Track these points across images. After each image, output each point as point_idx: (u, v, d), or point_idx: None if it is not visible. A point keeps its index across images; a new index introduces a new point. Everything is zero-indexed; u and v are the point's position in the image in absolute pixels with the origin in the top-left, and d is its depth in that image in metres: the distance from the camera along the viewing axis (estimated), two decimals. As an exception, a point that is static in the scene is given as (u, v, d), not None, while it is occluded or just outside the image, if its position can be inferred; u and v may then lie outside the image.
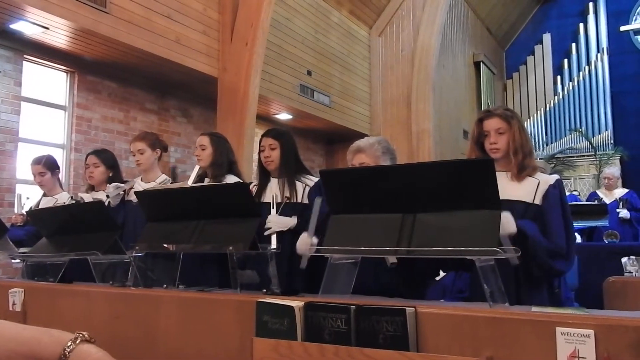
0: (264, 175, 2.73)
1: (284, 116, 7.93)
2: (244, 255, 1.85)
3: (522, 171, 2.03)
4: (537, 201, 2.00)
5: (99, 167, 3.13)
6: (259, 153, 2.72)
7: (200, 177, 3.00)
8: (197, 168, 3.04)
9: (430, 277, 2.22)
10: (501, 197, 1.57)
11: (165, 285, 1.85)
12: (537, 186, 2.02)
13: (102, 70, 5.86)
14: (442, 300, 2.77)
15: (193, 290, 1.78)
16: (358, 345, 1.31)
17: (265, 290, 1.73)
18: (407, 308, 1.29)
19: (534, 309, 1.44)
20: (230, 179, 2.86)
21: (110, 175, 3.12)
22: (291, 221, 2.48)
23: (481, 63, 11.47)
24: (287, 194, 2.61)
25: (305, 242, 1.98)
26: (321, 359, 1.33)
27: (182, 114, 6.94)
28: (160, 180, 3.01)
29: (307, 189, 2.62)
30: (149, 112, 6.52)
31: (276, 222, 2.40)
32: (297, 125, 8.42)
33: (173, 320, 1.67)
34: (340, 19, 8.64)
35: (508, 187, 1.98)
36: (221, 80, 6.32)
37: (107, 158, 3.18)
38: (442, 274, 2.52)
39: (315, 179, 2.65)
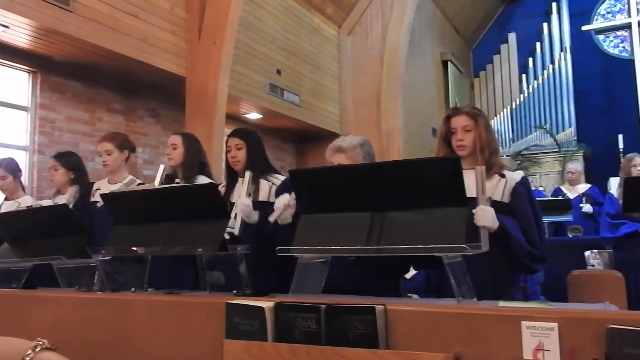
0: (232, 175, 2.72)
1: (253, 115, 7.90)
2: (213, 257, 1.84)
3: (489, 169, 2.06)
4: (505, 199, 2.04)
5: (58, 170, 3.06)
6: (226, 153, 2.71)
7: (169, 178, 2.96)
8: (162, 168, 3.00)
9: (402, 274, 2.24)
10: (469, 195, 1.60)
11: (133, 289, 1.82)
12: (505, 184, 2.06)
13: (66, 70, 5.72)
14: (415, 296, 2.81)
15: (162, 293, 1.75)
16: (329, 344, 1.31)
17: (235, 291, 1.72)
18: (376, 306, 1.30)
19: (501, 303, 1.47)
20: (202, 179, 2.83)
21: (72, 177, 3.05)
22: (254, 215, 2.45)
23: (449, 62, 11.62)
24: (250, 192, 2.59)
25: (285, 197, 2.04)
26: (292, 359, 1.33)
27: (149, 114, 6.83)
28: (126, 182, 2.96)
29: (274, 187, 2.61)
30: (115, 112, 6.40)
31: (242, 208, 2.38)
32: (267, 124, 8.39)
33: (142, 324, 1.65)
34: (309, 18, 8.64)
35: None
36: (189, 79, 6.25)
37: (68, 161, 3.11)
38: (413, 271, 2.55)
39: (282, 178, 2.65)
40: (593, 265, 3.15)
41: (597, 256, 3.22)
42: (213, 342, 1.48)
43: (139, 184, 2.96)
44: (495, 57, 13.27)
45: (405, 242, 1.41)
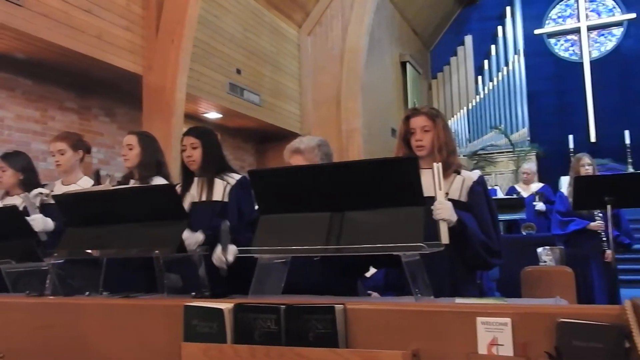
0: (187, 175, 2.66)
1: (213, 115, 7.80)
2: (170, 259, 1.80)
3: (447, 169, 2.10)
4: (463, 198, 2.08)
5: (6, 171, 2.94)
6: (181, 152, 2.64)
7: (125, 179, 2.89)
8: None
9: (362, 273, 2.26)
10: (428, 194, 1.63)
11: (87, 293, 1.77)
12: (462, 183, 2.10)
13: (16, 66, 5.51)
14: (375, 294, 2.84)
15: (118, 297, 1.71)
16: (289, 344, 1.31)
17: (194, 293, 1.70)
18: (336, 305, 1.31)
19: (458, 300, 1.50)
20: (159, 180, 2.77)
21: (22, 178, 2.94)
22: (198, 237, 2.29)
23: (407, 63, 11.78)
24: (204, 193, 2.55)
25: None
26: (252, 360, 1.32)
27: (105, 113, 6.65)
28: (81, 183, 2.87)
29: (229, 187, 2.57)
30: (68, 111, 6.20)
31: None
32: (227, 124, 8.31)
33: (98, 330, 1.60)
34: (269, 17, 8.60)
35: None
36: (146, 78, 6.12)
37: (16, 161, 2.98)
38: (372, 270, 2.57)
39: (238, 177, 2.60)
40: (545, 262, 3.25)
41: (549, 252, 3.34)
42: (171, 345, 1.45)
43: (94, 185, 2.87)
44: (453, 59, 13.54)
45: (364, 241, 1.43)
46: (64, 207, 1.90)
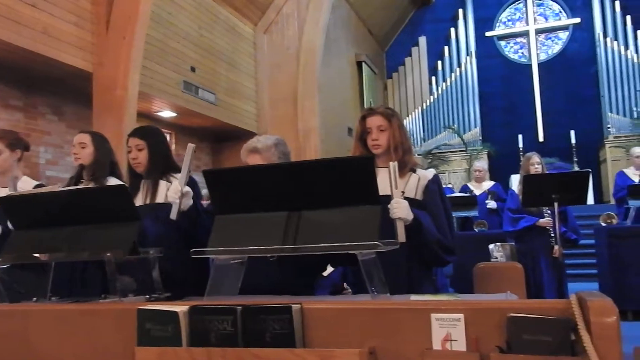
0: (135, 177, 2.54)
1: (167, 114, 7.66)
2: (123, 261, 1.76)
3: (402, 168, 2.13)
4: (419, 196, 2.11)
5: None
6: (127, 154, 2.52)
7: (74, 179, 2.80)
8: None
9: (319, 272, 2.26)
10: (384, 193, 1.65)
11: (35, 299, 1.71)
12: (418, 181, 2.14)
13: (-44, 62, 5.26)
14: (349, 290, 2.85)
15: (68, 302, 1.66)
16: (246, 346, 1.30)
17: (148, 296, 1.67)
18: (293, 305, 1.31)
19: (413, 297, 1.53)
20: (112, 181, 2.69)
21: None
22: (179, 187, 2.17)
23: (363, 63, 11.89)
24: (149, 196, 2.45)
25: (175, 190, 1.99)
26: (208, 363, 1.30)
27: (52, 112, 6.42)
28: (21, 184, 2.74)
29: None
30: (13, 109, 5.95)
31: (171, 195, 2.15)
32: (182, 123, 8.17)
33: (47, 337, 1.55)
34: (224, 15, 8.50)
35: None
36: (96, 75, 5.94)
37: None
38: (330, 268, 2.59)
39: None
40: (497, 258, 3.35)
41: (500, 249, 3.44)
42: (124, 350, 1.42)
43: (37, 186, 2.75)
44: (407, 60, 13.76)
45: (321, 240, 1.43)
46: (9, 210, 1.83)
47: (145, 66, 6.40)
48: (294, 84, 9.26)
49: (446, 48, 13.40)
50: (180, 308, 1.37)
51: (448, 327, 1.21)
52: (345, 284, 3.03)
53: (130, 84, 5.92)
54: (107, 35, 5.96)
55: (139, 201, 2.44)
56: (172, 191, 2.02)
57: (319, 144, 9.17)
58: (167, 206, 2.22)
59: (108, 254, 1.60)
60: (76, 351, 1.51)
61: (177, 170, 2.49)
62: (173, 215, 2.00)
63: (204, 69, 7.88)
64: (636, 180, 5.80)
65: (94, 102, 5.95)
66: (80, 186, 2.73)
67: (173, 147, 8.25)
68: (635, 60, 11.94)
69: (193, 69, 7.61)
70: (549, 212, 4.34)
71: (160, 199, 2.42)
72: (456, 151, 12.38)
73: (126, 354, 1.41)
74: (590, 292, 1.14)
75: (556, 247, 4.08)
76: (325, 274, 2.66)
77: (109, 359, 1.47)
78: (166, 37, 7.09)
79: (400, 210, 1.82)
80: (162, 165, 2.50)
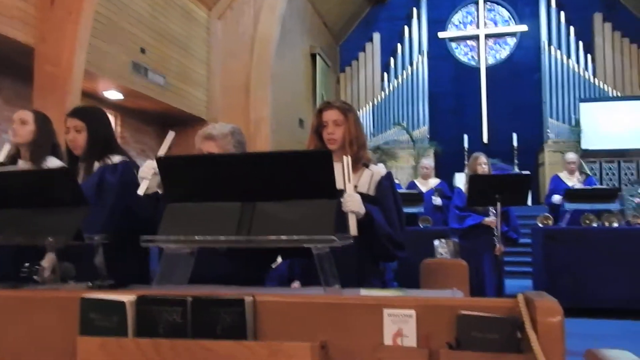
0: (73, 160, 2.39)
1: (113, 95, 7.38)
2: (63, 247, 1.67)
3: (356, 163, 2.14)
4: (371, 192, 2.13)
5: None
6: (65, 135, 2.37)
7: (12, 159, 2.65)
8: (6, 147, 2.66)
9: (269, 264, 2.25)
10: (337, 187, 1.64)
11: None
12: (371, 177, 2.16)
13: None
14: (297, 284, 2.83)
15: (4, 287, 1.57)
16: (195, 337, 1.27)
17: (91, 283, 1.60)
18: (245, 297, 1.28)
19: (363, 292, 1.54)
20: (52, 162, 2.55)
21: None
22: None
23: (317, 55, 11.88)
24: (83, 179, 2.32)
25: (149, 166, 1.91)
26: (155, 355, 1.27)
27: (-12, 86, 6.07)
28: None
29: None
30: (-55, 81, 5.59)
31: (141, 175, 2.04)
32: (129, 105, 7.91)
33: (-22, 323, 1.46)
34: (178, -3, 8.28)
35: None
36: (39, 51, 5.65)
37: None
38: (279, 260, 2.57)
39: (118, 159, 2.34)
40: (441, 254, 3.44)
41: (445, 245, 3.53)
42: (65, 340, 1.35)
43: None
44: (361, 55, 13.87)
45: (276, 233, 1.42)
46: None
47: (93, 44, 6.14)
48: (247, 73, 9.14)
49: (399, 46, 13.59)
50: (127, 297, 1.32)
51: (400, 322, 1.23)
52: (293, 276, 3.03)
53: (76, 62, 5.67)
54: (52, 9, 5.67)
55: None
56: (146, 167, 1.92)
57: (269, 134, 9.11)
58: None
59: (50, 239, 1.52)
60: (12, 340, 1.43)
61: (117, 152, 2.39)
62: (141, 190, 1.90)
63: (154, 52, 7.64)
64: (569, 184, 6.10)
65: (35, 78, 5.65)
66: (18, 166, 2.59)
67: (118, 129, 7.98)
68: (576, 69, 12.51)
69: (143, 51, 7.37)
70: (494, 211, 4.49)
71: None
72: (404, 148, 12.61)
73: (66, 344, 1.35)
74: (537, 293, 1.18)
75: (498, 245, 4.23)
76: (272, 265, 2.65)
77: (48, 349, 1.40)
78: (116, 16, 6.83)
79: (353, 203, 1.83)
80: (101, 148, 2.35)
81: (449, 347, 1.18)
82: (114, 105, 7.71)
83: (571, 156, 6.42)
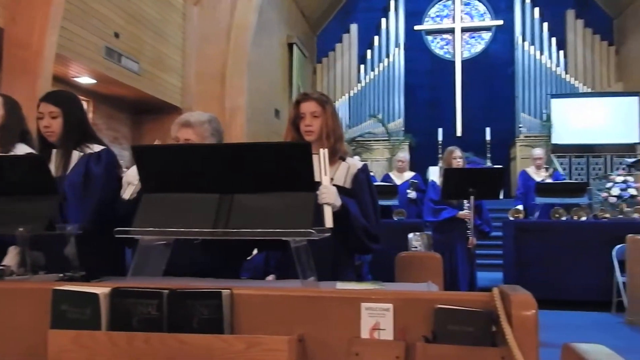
0: (45, 147, 2.31)
1: (85, 80, 7.21)
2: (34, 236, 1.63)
3: (333, 155, 2.14)
4: (347, 184, 2.14)
5: None
6: (38, 120, 2.28)
7: None
8: None
9: (245, 256, 2.24)
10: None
11: None
12: (347, 170, 2.16)
13: None
14: (272, 277, 2.82)
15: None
16: (171, 331, 1.26)
17: (62, 275, 1.57)
18: (223, 291, 1.27)
19: (339, 285, 1.54)
20: (22, 148, 2.48)
21: None
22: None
23: (294, 45, 11.81)
24: (61, 167, 2.27)
25: (135, 171, 1.86)
26: (129, 348, 1.25)
27: (-47, 67, 5.86)
28: None
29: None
30: None
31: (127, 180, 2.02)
32: (101, 90, 7.74)
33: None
34: (153, -19, 8.11)
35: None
36: (8, 32, 5.48)
37: None
38: (255, 251, 2.56)
39: (99, 148, 2.29)
40: (416, 247, 3.47)
41: (419, 238, 3.56)
42: (36, 333, 1.32)
43: None
44: (338, 46, 13.83)
45: (254, 225, 1.41)
46: None
47: (65, 27, 5.98)
48: (223, 60, 9.03)
49: (376, 38, 13.60)
50: (101, 290, 1.30)
51: (377, 316, 1.23)
52: (268, 269, 3.02)
53: (47, 45, 5.51)
54: (22, -11, 5.50)
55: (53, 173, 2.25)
56: (132, 171, 1.87)
57: (244, 123, 9.04)
58: None
59: (20, 229, 1.49)
60: (-21, 332, 1.39)
61: (94, 139, 2.33)
62: (127, 195, 1.88)
63: (128, 36, 7.48)
64: (537, 179, 6.22)
65: (4, 61, 5.49)
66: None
67: (90, 116, 7.81)
68: (549, 65, 12.72)
69: (117, 35, 7.21)
70: (467, 204, 4.55)
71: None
72: (379, 140, 12.66)
73: (37, 337, 1.32)
74: (511, 286, 1.20)
75: (471, 238, 4.29)
76: (248, 257, 2.64)
77: (18, 342, 1.37)
78: (89, -2, 6.66)
79: (329, 196, 1.83)
80: (77, 135, 2.29)
81: (425, 341, 1.19)
82: (87, 91, 7.54)
83: (538, 152, 6.55)
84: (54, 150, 2.29)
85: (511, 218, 6.05)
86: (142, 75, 7.81)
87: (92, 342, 1.28)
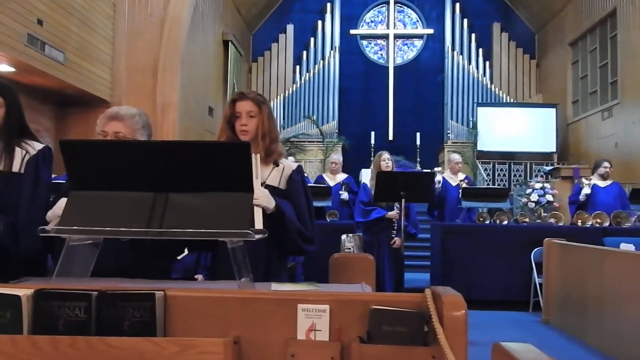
0: None
1: (4, 68, 6.77)
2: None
3: (268, 156, 2.14)
4: (282, 185, 2.14)
5: None
6: None
7: None
8: None
9: (175, 256, 2.19)
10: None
11: None
12: (282, 171, 2.16)
13: None
14: (200, 277, 2.76)
15: None
16: (100, 334, 1.21)
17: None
18: (156, 292, 1.24)
19: (274, 286, 1.54)
20: None
21: None
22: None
23: (230, 42, 11.66)
24: (2, 162, 2.12)
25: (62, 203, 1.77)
26: (54, 352, 1.19)
27: None
28: None
29: (28, 157, 2.19)
30: None
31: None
32: (22, 80, 7.28)
33: None
34: (81, -33, 7.74)
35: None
36: None
37: None
38: (185, 251, 2.51)
39: (40, 146, 2.22)
40: (349, 248, 3.53)
41: (352, 240, 3.62)
42: (-53, 338, 1.23)
43: None
44: (274, 45, 13.80)
45: (190, 225, 1.38)
46: None
47: (-18, 11, 5.59)
48: (155, 55, 8.75)
49: (312, 39, 13.69)
50: (23, 292, 1.23)
51: (314, 317, 1.24)
52: (199, 269, 2.97)
53: (-39, 29, 5.13)
54: None
55: None
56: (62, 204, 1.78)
57: (177, 119, 8.80)
58: (19, 176, 2.01)
59: None
60: None
61: (31, 136, 2.20)
62: (51, 225, 1.77)
63: (53, 24, 7.10)
64: (453, 183, 6.49)
65: None
66: None
67: (8, 106, 7.33)
68: (476, 75, 13.31)
69: (40, 22, 6.82)
70: (397, 206, 4.67)
71: (15, 167, 2.08)
72: (313, 141, 12.75)
73: (-51, 342, 1.22)
74: (443, 288, 1.25)
75: (396, 238, 4.40)
76: (178, 257, 2.58)
77: None
78: (10, -19, 6.25)
79: (262, 198, 1.83)
80: (19, 128, 2.14)
81: (360, 341, 1.21)
82: (5, 80, 7.08)
83: (456, 157, 6.82)
84: None
85: (438, 221, 6.26)
86: (68, 66, 7.43)
87: (12, 347, 1.21)
